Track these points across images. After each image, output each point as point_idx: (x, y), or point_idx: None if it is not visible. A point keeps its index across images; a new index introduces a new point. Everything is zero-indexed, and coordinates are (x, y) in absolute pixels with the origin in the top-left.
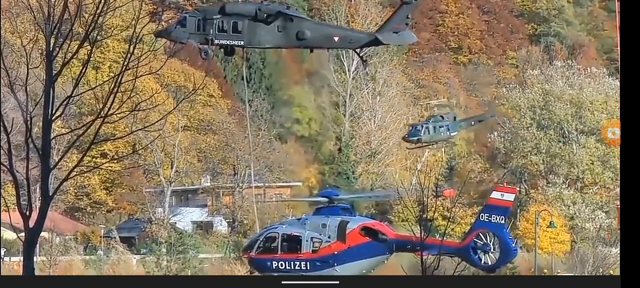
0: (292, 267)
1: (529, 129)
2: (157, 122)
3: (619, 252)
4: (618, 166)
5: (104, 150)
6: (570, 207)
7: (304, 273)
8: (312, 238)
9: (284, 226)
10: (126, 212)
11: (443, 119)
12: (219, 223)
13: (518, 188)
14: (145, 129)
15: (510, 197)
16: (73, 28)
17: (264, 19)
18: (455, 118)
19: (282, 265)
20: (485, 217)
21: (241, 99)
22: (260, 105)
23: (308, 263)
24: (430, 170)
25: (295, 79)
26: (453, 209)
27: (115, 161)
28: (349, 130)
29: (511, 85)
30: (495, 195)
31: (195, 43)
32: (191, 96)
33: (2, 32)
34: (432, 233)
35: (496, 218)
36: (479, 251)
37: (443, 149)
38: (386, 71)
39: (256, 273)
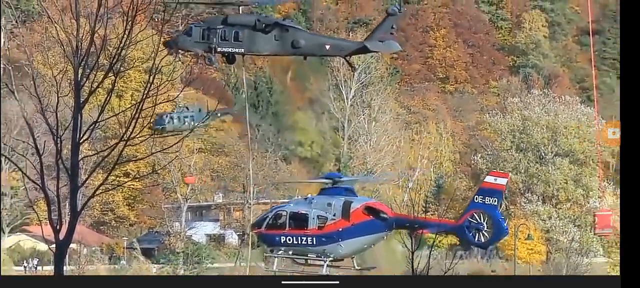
0: (299, 242)
1: (509, 151)
2: (174, 144)
3: (589, 261)
4: (589, 185)
5: (126, 170)
6: (546, 221)
7: (309, 248)
8: (318, 216)
9: (291, 205)
10: (147, 225)
11: (188, 110)
12: (231, 236)
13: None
14: (164, 151)
15: (502, 181)
16: (99, 60)
17: (262, 28)
18: (200, 110)
19: (290, 240)
20: (480, 199)
21: (249, 123)
22: (268, 129)
23: (314, 238)
24: (420, 188)
25: (299, 106)
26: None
27: (137, 180)
28: (347, 152)
29: (493, 111)
30: (489, 179)
31: (200, 51)
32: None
33: (33, 62)
34: (421, 245)
35: (489, 201)
36: (473, 229)
37: (431, 169)
38: (381, 99)
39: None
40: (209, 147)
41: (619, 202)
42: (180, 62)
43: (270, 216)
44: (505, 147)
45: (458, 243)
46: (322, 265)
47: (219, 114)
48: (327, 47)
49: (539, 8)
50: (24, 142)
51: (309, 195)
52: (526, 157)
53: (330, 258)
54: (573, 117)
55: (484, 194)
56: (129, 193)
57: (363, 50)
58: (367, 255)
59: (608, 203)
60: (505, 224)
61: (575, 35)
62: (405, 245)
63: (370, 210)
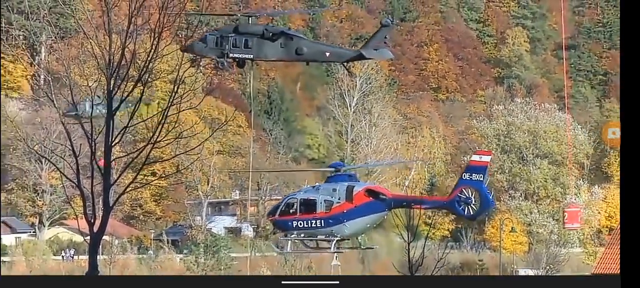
0: (309, 225)
1: (495, 153)
2: (196, 147)
3: (567, 251)
4: (566, 183)
5: (153, 170)
6: (528, 216)
7: (318, 229)
8: (325, 200)
9: (301, 193)
10: (171, 219)
11: (100, 98)
12: (246, 229)
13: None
14: (187, 153)
15: (487, 158)
16: (129, 72)
17: (269, 37)
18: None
19: (301, 224)
20: (467, 176)
21: (263, 128)
22: (279, 133)
23: (322, 221)
24: (415, 186)
25: (307, 113)
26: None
27: (163, 179)
28: (350, 153)
29: (480, 117)
30: (474, 158)
31: (214, 56)
32: (224, 126)
33: (71, 74)
34: (416, 237)
35: (476, 177)
36: (462, 204)
37: (425, 169)
38: (380, 106)
39: (277, 232)
40: (227, 149)
41: (591, 198)
42: (201, 74)
43: (282, 204)
44: (491, 149)
45: (449, 235)
46: (330, 245)
47: (129, 105)
48: (327, 54)
49: (521, 25)
50: (62, 145)
51: (317, 183)
52: (510, 158)
53: (338, 238)
54: (552, 122)
55: (470, 171)
56: (156, 190)
57: (359, 57)
58: (369, 242)
59: (582, 199)
60: (490, 197)
61: (554, 49)
62: (403, 237)
63: (370, 192)
